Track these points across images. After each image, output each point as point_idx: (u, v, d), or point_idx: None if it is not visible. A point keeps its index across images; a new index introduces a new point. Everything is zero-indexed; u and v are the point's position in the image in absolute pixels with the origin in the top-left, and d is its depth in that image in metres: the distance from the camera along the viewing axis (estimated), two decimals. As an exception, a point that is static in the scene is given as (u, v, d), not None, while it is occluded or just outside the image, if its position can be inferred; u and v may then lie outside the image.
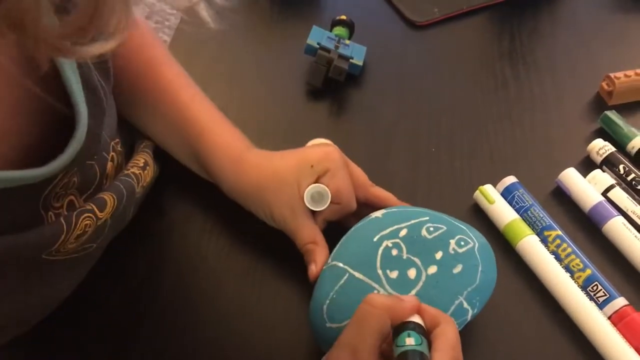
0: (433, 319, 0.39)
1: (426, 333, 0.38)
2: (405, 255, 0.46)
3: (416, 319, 0.38)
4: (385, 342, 0.38)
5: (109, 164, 0.48)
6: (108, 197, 0.45)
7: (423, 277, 0.45)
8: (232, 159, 0.52)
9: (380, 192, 0.53)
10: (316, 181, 0.50)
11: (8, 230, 0.35)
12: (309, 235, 0.49)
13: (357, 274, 0.45)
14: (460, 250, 0.46)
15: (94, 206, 0.43)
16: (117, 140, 0.50)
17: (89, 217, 0.42)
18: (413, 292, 0.44)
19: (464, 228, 0.48)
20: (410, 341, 0.37)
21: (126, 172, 0.50)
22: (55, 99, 0.37)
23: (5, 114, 0.36)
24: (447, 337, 0.37)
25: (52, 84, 0.37)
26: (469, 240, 0.47)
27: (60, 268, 0.42)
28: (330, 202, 0.49)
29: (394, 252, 0.46)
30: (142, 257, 0.54)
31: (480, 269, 0.46)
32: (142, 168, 0.52)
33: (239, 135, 0.55)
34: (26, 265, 0.38)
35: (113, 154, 0.49)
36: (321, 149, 0.51)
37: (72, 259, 0.43)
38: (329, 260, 0.47)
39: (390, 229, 0.47)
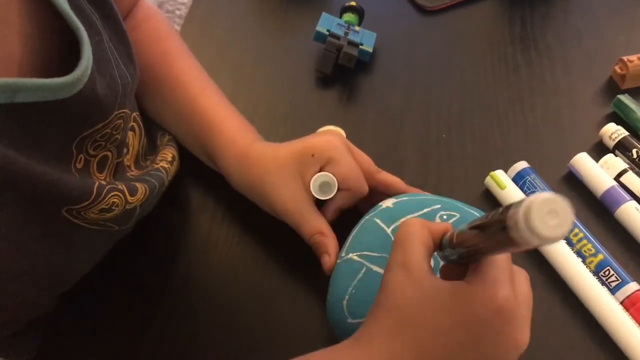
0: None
1: None
2: None
3: None
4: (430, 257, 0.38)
5: (130, 134, 0.49)
6: (140, 187, 0.46)
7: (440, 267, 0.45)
8: (238, 153, 0.52)
9: (387, 178, 0.52)
10: (320, 170, 0.49)
11: (36, 151, 0.36)
12: (315, 226, 0.48)
13: (374, 268, 0.44)
14: None
15: (124, 188, 0.44)
16: (138, 113, 0.51)
17: (117, 195, 0.43)
18: None
19: (477, 214, 0.48)
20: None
21: (156, 166, 0.52)
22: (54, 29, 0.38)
23: (18, 40, 0.36)
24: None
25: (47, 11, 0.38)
26: (483, 227, 0.46)
27: (80, 236, 0.43)
28: (339, 189, 0.49)
29: None
30: (155, 246, 0.55)
31: None
32: (170, 162, 0.54)
33: (247, 128, 0.55)
34: (47, 220, 0.38)
35: (134, 124, 0.50)
36: (322, 137, 0.50)
37: (93, 231, 0.43)
38: (343, 254, 0.46)
39: (403, 219, 0.46)
